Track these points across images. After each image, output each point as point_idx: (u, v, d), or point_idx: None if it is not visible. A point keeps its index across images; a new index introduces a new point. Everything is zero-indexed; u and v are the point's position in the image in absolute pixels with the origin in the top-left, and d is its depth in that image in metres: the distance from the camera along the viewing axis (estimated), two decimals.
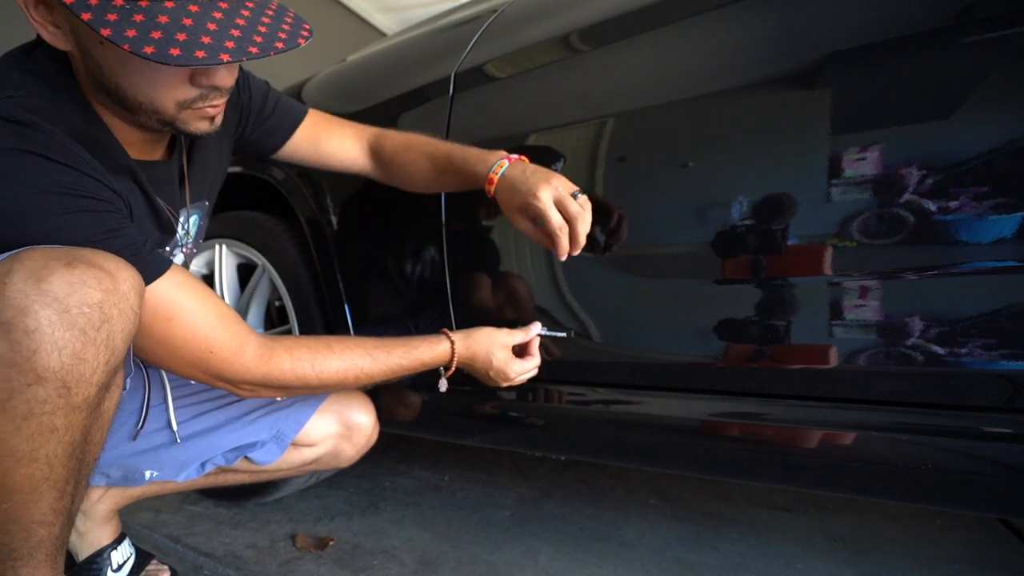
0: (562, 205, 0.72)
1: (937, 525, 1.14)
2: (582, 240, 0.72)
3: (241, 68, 0.83)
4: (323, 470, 1.00)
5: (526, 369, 0.84)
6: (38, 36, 0.64)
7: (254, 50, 0.55)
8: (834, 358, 0.65)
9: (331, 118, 0.93)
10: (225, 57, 0.53)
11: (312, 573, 0.99)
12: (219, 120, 0.66)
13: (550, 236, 0.72)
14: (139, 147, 0.69)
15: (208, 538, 1.11)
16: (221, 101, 0.64)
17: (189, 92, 0.61)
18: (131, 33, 0.51)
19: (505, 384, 0.84)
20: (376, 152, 0.92)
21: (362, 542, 1.09)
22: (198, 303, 0.68)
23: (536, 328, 0.85)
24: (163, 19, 0.53)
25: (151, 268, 0.63)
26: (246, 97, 0.84)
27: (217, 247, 1.24)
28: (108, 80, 0.60)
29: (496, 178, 0.76)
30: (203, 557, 1.04)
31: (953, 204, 0.57)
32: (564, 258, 0.73)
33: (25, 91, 0.59)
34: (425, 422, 1.03)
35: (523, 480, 1.38)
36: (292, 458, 0.94)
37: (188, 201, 0.79)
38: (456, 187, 0.84)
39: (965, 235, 0.57)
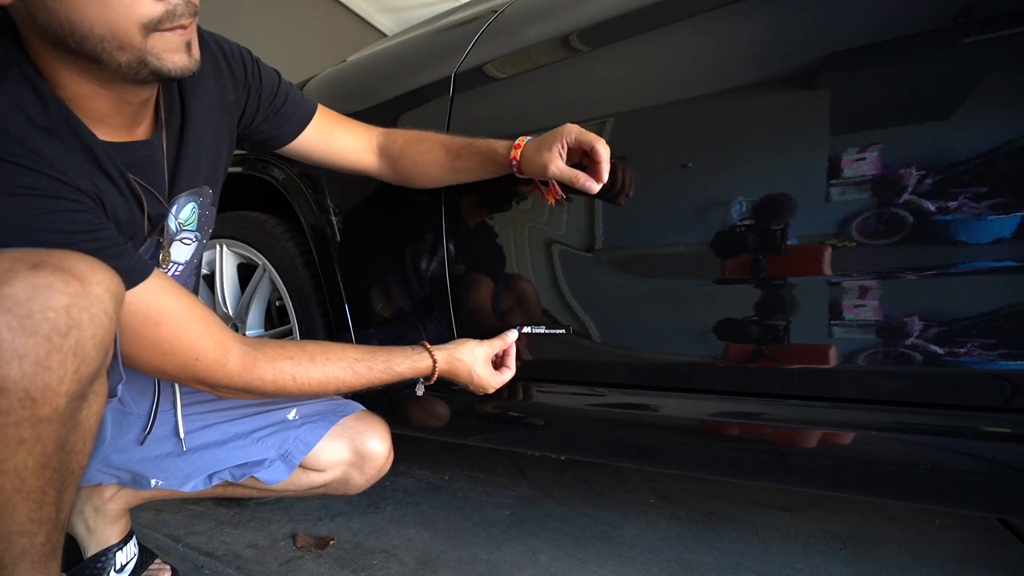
0: (585, 135, 0.75)
1: (937, 525, 1.14)
2: (607, 169, 0.74)
3: (251, 54, 0.83)
4: (332, 494, 0.99)
5: (504, 381, 0.88)
6: None
7: None
8: (834, 358, 0.66)
9: (340, 116, 0.93)
10: None
11: (313, 572, 0.99)
12: (196, 51, 0.60)
13: (592, 158, 0.74)
14: (113, 124, 0.64)
15: (209, 537, 1.11)
16: (190, 21, 0.58)
17: (152, 8, 0.55)
18: None
19: (483, 393, 0.88)
20: (386, 148, 0.92)
21: (362, 541, 1.10)
22: (185, 308, 0.67)
23: (512, 335, 0.88)
24: None
25: (134, 271, 0.61)
26: (255, 82, 0.82)
27: (217, 247, 1.24)
28: (58, 21, 0.53)
29: (523, 143, 0.80)
30: (204, 556, 1.04)
31: (953, 204, 0.57)
32: (598, 188, 0.75)
33: None
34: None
35: (523, 480, 1.38)
36: (300, 481, 0.93)
37: (181, 184, 0.75)
38: (470, 171, 0.86)
39: (965, 235, 0.57)
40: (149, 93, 0.66)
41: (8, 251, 0.52)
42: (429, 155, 0.88)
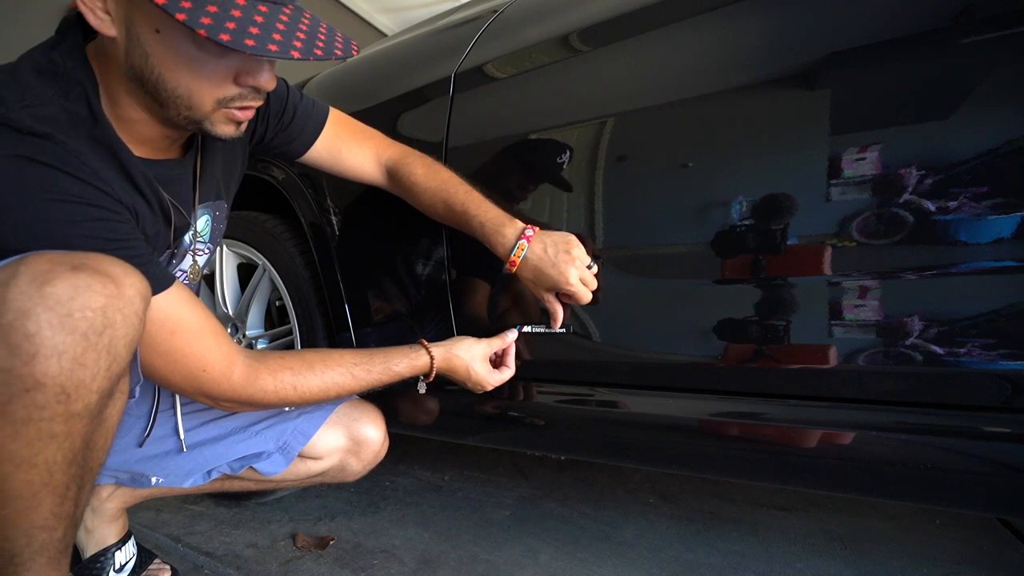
0: (585, 281, 0.77)
1: (937, 525, 1.14)
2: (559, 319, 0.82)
3: None
4: (329, 482, 1.00)
5: (502, 379, 0.87)
6: (57, 33, 0.64)
7: (319, 52, 0.59)
8: (834, 358, 0.66)
9: (352, 127, 0.92)
10: (296, 54, 0.57)
11: (312, 572, 0.99)
12: (244, 127, 0.67)
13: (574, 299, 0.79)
14: (153, 145, 0.70)
15: (209, 537, 1.11)
16: (256, 104, 0.66)
17: (231, 90, 0.63)
18: (206, 21, 0.53)
19: (481, 392, 0.88)
20: (393, 177, 0.91)
21: (362, 541, 1.10)
22: (199, 320, 0.69)
23: (512, 335, 0.87)
24: (236, 13, 0.55)
25: (158, 280, 0.64)
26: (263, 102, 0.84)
27: (217, 247, 1.24)
28: (150, 71, 0.60)
29: (519, 260, 0.79)
30: (204, 556, 1.04)
31: (953, 204, 0.57)
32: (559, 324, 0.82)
33: (39, 98, 0.59)
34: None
35: (523, 480, 1.38)
36: (298, 470, 0.94)
37: (200, 198, 0.79)
38: (456, 225, 0.86)
39: (965, 235, 0.57)
40: (191, 132, 0.72)
41: (47, 253, 0.55)
42: (431, 208, 0.87)
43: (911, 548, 1.06)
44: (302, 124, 0.87)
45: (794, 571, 0.99)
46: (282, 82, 0.86)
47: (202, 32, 0.53)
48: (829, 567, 1.00)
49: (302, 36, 0.59)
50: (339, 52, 0.61)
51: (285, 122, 0.85)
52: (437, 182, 0.86)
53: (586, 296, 0.78)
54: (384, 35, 4.85)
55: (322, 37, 0.61)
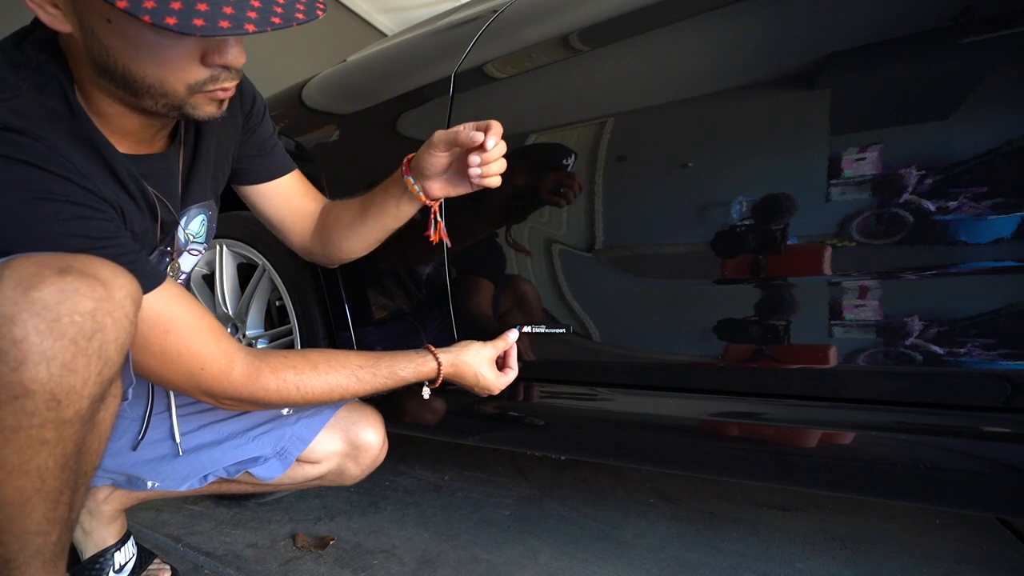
0: (451, 131, 0.72)
1: (937, 525, 1.14)
2: (496, 170, 0.73)
3: (261, 97, 0.86)
4: (327, 485, 0.99)
5: (508, 382, 0.88)
6: (32, 22, 0.61)
7: (277, 20, 0.54)
8: (834, 358, 0.66)
9: (308, 183, 0.94)
10: (250, 28, 0.52)
11: (313, 572, 0.99)
12: (227, 104, 0.65)
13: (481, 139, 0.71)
14: (135, 138, 0.67)
15: (209, 537, 1.11)
16: (232, 83, 0.62)
17: (200, 73, 0.59)
18: (150, 5, 0.49)
19: (487, 395, 0.88)
20: (324, 213, 0.92)
21: (362, 541, 1.10)
22: (194, 317, 0.68)
23: (513, 335, 0.87)
24: None
25: (148, 278, 0.62)
26: (257, 120, 0.85)
27: (217, 247, 1.24)
28: (114, 63, 0.57)
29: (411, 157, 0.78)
30: (204, 556, 1.04)
31: (953, 204, 0.57)
32: (482, 137, 0.70)
33: (14, 92, 0.57)
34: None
35: (523, 480, 1.38)
36: (295, 474, 0.93)
37: (192, 197, 0.78)
38: (377, 207, 0.84)
39: (965, 235, 0.57)
40: (173, 119, 0.70)
41: (33, 255, 0.53)
42: (345, 206, 0.88)
43: (911, 548, 1.06)
44: (277, 158, 0.88)
45: (794, 571, 0.99)
46: (273, 123, 0.89)
47: (146, 19, 0.49)
48: (829, 567, 1.00)
49: (257, 5, 0.53)
50: (300, 16, 0.55)
51: (266, 149, 0.87)
52: (358, 200, 0.88)
53: (470, 129, 0.70)
54: (384, 35, 4.85)
55: (281, 0, 0.55)
